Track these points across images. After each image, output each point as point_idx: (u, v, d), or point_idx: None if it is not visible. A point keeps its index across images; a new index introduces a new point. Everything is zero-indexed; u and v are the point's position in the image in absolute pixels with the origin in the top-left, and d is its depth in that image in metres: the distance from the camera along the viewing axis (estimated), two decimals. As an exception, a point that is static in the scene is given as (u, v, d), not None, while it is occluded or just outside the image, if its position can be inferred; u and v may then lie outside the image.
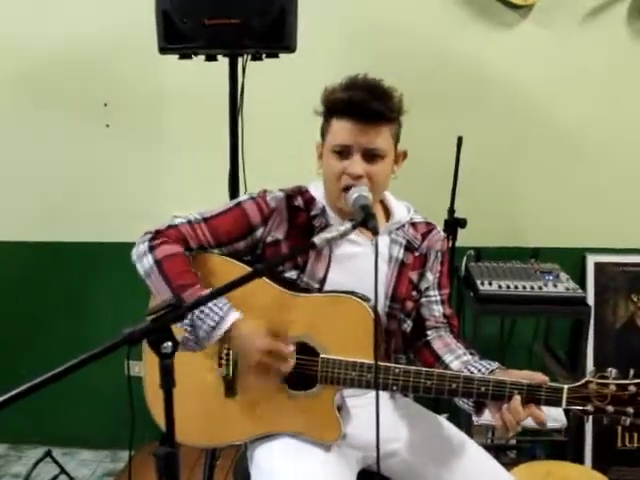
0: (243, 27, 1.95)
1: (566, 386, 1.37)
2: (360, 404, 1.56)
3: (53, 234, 2.77)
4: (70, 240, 2.77)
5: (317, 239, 1.27)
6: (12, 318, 2.86)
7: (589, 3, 2.51)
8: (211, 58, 2.16)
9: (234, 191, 2.22)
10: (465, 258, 2.47)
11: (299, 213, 1.57)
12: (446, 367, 1.54)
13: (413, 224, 1.66)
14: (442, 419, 1.66)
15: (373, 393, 1.49)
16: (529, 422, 1.41)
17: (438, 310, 1.65)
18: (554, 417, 2.24)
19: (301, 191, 1.61)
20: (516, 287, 2.25)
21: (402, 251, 1.61)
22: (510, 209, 2.63)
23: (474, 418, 1.95)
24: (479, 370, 1.47)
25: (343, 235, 1.29)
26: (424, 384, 1.41)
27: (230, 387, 1.49)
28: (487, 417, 1.48)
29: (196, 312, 1.42)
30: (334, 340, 1.46)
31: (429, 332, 1.63)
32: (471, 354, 1.57)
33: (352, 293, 1.49)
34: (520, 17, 2.54)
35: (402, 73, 2.53)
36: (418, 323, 1.64)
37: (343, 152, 1.48)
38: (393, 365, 1.43)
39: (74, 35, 2.61)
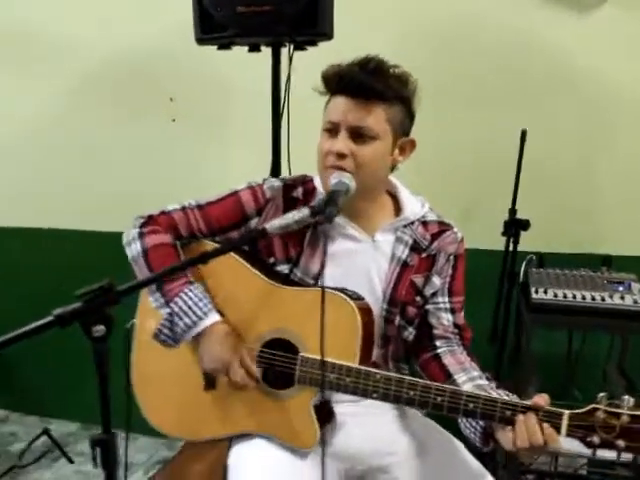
0: (275, 14, 1.92)
1: (567, 412, 1.17)
2: (351, 412, 1.44)
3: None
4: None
5: (269, 225, 1.18)
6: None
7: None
8: (254, 48, 2.14)
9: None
10: (524, 263, 2.23)
11: (296, 205, 1.48)
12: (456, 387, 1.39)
13: (424, 222, 1.51)
14: (457, 443, 1.48)
15: (368, 401, 1.38)
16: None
17: (447, 319, 1.50)
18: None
19: (304, 181, 1.52)
20: (574, 297, 1.99)
21: (407, 251, 1.47)
22: (581, 210, 2.35)
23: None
24: None
25: (299, 222, 1.19)
26: (406, 394, 1.27)
27: (209, 380, 1.44)
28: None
29: (176, 308, 1.38)
30: (317, 338, 1.35)
31: (438, 343, 1.48)
32: (487, 379, 1.40)
33: (342, 290, 1.38)
34: (601, -2, 2.27)
35: (464, 62, 2.37)
36: (425, 332, 1.50)
37: (332, 130, 1.38)
38: (374, 370, 1.30)
39: (139, 33, 2.69)
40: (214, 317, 1.39)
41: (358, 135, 1.36)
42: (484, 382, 1.38)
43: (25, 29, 2.81)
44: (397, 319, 1.47)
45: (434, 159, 2.44)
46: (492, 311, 2.27)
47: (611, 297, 1.98)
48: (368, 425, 1.46)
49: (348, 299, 1.34)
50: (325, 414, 1.41)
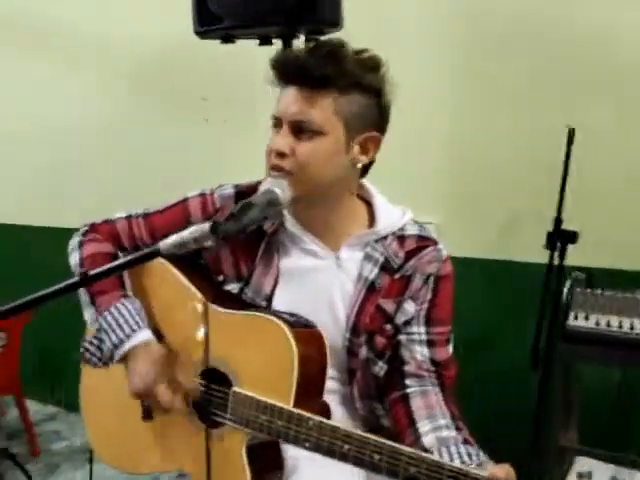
0: (272, 2, 1.74)
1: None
2: (307, 455, 1.22)
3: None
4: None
5: (162, 244, 1.01)
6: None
7: None
8: (264, 41, 1.98)
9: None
10: (569, 282, 1.90)
11: None
12: (417, 439, 1.16)
13: (401, 237, 1.27)
14: None
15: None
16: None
17: (422, 353, 1.25)
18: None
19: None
20: (620, 325, 1.65)
21: (376, 271, 1.25)
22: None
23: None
24: (451, 458, 1.08)
25: (198, 240, 1.01)
26: (340, 448, 1.05)
27: (147, 410, 1.29)
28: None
29: (105, 323, 1.24)
30: (252, 371, 1.17)
31: (409, 381, 1.24)
32: (457, 429, 1.16)
33: (286, 315, 1.19)
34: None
35: (506, 51, 2.07)
36: (396, 367, 1.26)
37: (277, 126, 1.20)
38: (307, 415, 1.09)
39: (174, 33, 2.59)
40: (145, 334, 1.23)
41: (299, 130, 1.16)
42: (450, 434, 1.13)
43: (56, 28, 2.82)
44: (363, 351, 1.25)
45: (468, 159, 2.17)
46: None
47: (664, 328, 1.62)
48: (326, 471, 1.25)
49: (283, 325, 1.14)
50: (272, 457, 1.23)
